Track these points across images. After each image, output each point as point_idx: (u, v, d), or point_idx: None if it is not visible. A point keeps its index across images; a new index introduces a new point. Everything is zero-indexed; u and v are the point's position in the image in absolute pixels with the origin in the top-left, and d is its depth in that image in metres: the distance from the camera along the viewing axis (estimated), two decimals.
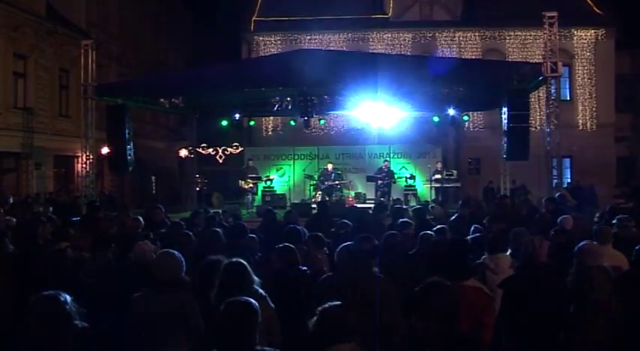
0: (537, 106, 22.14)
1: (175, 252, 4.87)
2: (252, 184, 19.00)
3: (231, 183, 28.94)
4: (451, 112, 20.06)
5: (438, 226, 7.41)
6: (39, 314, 3.51)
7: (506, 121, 14.79)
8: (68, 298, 3.61)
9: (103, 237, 6.83)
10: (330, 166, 19.67)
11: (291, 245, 5.79)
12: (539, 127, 22.08)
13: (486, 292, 4.50)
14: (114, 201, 21.20)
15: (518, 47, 27.95)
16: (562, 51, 19.65)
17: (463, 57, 26.76)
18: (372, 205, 15.22)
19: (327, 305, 3.51)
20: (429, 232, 6.81)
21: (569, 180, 25.69)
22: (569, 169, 26.75)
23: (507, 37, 28.15)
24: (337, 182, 19.54)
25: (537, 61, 18.05)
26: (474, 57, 27.12)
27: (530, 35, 27.62)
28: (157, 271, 4.69)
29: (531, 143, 14.68)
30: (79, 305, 3.68)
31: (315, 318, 3.50)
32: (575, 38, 27.94)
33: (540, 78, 14.68)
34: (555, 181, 15.04)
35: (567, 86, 27.85)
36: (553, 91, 14.94)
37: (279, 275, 5.45)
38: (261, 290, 4.58)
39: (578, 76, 28.07)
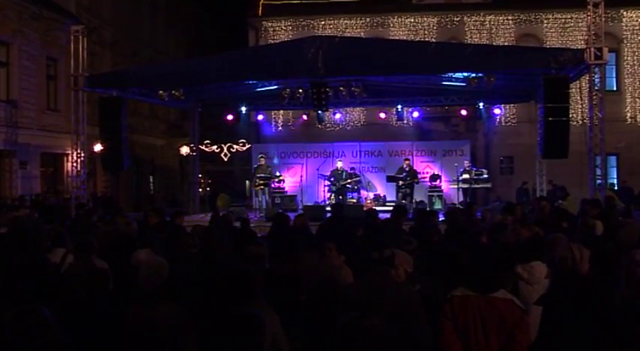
0: (579, 97, 21.95)
1: (157, 256, 4.90)
2: (263, 185, 19.02)
3: (238, 183, 29.15)
4: (481, 104, 20.04)
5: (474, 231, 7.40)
6: (16, 330, 3.53)
7: (543, 115, 14.72)
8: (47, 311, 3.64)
9: (85, 240, 6.85)
10: (339, 164, 19.73)
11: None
12: (580, 121, 21.95)
13: (518, 305, 4.47)
14: (108, 203, 21.33)
15: (557, 31, 27.74)
16: (608, 35, 19.42)
17: (495, 43, 26.62)
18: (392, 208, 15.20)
19: (351, 317, 3.48)
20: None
21: (614, 180, 25.49)
22: (614, 168, 26.52)
23: (545, 21, 27.94)
24: (349, 181, 19.51)
25: (579, 47, 17.95)
26: (506, 43, 26.96)
27: (571, 18, 27.40)
28: (140, 281, 4.73)
29: (571, 139, 14.61)
30: (67, 319, 3.72)
31: (338, 331, 3.48)
32: (624, 20, 27.64)
33: (582, 66, 14.60)
34: (599, 181, 14.95)
35: (613, 75, 27.55)
36: (597, 80, 14.84)
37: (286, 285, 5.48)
38: (266, 301, 4.61)
39: (627, 64, 27.73)
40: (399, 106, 21.48)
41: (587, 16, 15.07)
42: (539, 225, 8.47)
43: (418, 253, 6.22)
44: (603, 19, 15.07)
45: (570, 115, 15.55)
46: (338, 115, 23.88)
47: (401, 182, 18.86)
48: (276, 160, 22.26)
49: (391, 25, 28.42)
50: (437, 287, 5.12)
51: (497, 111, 22.02)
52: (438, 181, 20.51)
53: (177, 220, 10.35)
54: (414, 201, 18.89)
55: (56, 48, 24.85)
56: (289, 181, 21.97)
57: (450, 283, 4.72)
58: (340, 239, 7.40)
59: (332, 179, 19.66)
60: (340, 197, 18.96)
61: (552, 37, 27.69)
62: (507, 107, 25.99)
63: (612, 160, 25.62)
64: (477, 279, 4.45)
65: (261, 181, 18.89)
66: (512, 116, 27.25)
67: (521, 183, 23.81)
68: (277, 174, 20.84)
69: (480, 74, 15.34)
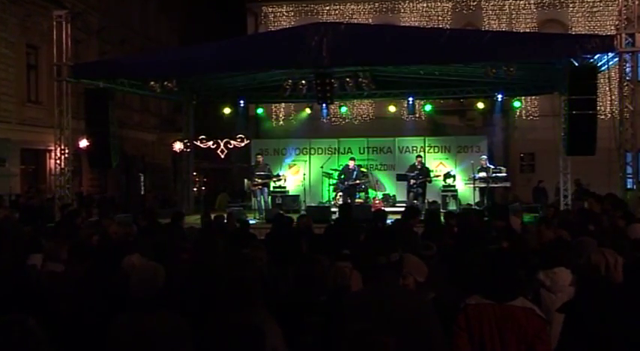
0: (607, 88, 21.89)
1: (152, 262, 4.90)
2: (261, 184, 19.06)
3: (236, 182, 29.17)
4: (499, 96, 19.99)
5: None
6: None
7: (567, 108, 14.70)
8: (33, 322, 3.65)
9: (81, 247, 6.89)
10: (351, 163, 19.69)
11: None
12: (609, 115, 21.85)
13: (538, 315, 4.47)
14: (94, 204, 21.38)
15: (584, 16, 27.70)
16: None
17: (515, 30, 26.59)
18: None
19: (358, 331, 3.50)
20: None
21: None
22: None
23: (570, 5, 27.90)
24: (359, 181, 19.54)
25: (608, 33, 17.91)
26: (528, 30, 26.94)
27: (600, 1, 27.37)
28: (131, 288, 4.73)
29: (599, 134, 14.58)
30: (51, 331, 3.72)
31: (345, 342, 3.50)
32: None
33: (612, 54, 14.55)
34: (630, 180, 14.91)
35: None
36: (628, 69, 14.76)
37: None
38: (266, 311, 4.62)
39: None
40: (410, 99, 21.47)
41: None
42: (565, 228, 8.48)
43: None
44: (637, 2, 14.97)
45: (598, 108, 15.52)
46: (344, 109, 23.89)
47: (412, 181, 18.83)
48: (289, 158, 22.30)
49: (402, 11, 28.42)
50: (453, 295, 5.12)
51: (517, 104, 22.03)
52: (453, 179, 20.50)
53: (179, 223, 10.43)
54: (426, 201, 18.89)
55: (37, 35, 24.83)
56: (291, 180, 22.00)
57: (463, 291, 4.72)
58: (347, 241, 7.45)
59: (342, 176, 19.66)
60: (349, 198, 18.98)
61: (579, 23, 27.65)
62: (528, 99, 25.96)
63: None
64: (494, 286, 4.45)
65: (260, 180, 18.92)
66: (533, 109, 27.22)
67: (537, 182, 23.81)
68: (278, 172, 20.85)
69: (499, 64, 15.33)
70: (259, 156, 19.77)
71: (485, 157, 20.47)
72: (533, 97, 25.79)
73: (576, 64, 14.59)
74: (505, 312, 4.33)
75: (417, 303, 4.67)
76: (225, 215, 12.50)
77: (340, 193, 19.72)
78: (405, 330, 4.24)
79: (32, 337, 3.58)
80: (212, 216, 11.96)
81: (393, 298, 4.61)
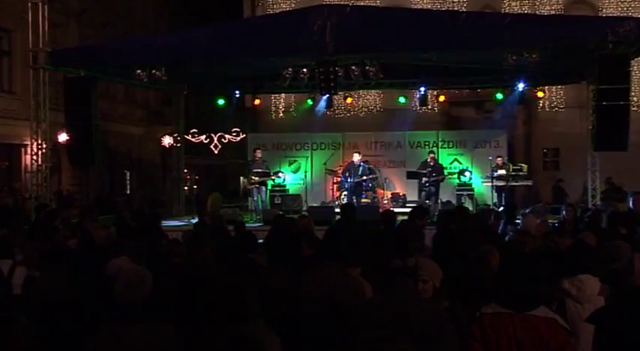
0: None
1: (139, 266, 4.90)
2: (259, 182, 19.06)
3: (230, 180, 29.21)
4: (520, 86, 19.95)
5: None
6: None
7: (596, 98, 14.68)
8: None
9: (58, 251, 6.91)
10: (356, 157, 19.64)
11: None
12: None
13: (562, 326, 4.45)
14: (75, 204, 21.41)
15: None
16: None
17: (538, 12, 26.56)
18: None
19: (376, 340, 3.49)
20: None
21: None
22: None
23: None
24: (365, 178, 19.49)
25: None
26: (553, 12, 26.91)
27: None
28: (116, 295, 4.73)
29: (632, 128, 14.56)
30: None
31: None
32: None
33: None
34: None
35: None
36: None
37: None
38: (264, 322, 4.64)
39: None
40: (422, 89, 21.43)
41: None
42: (593, 231, 8.48)
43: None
44: None
45: (630, 99, 15.50)
46: (349, 100, 23.85)
47: (424, 179, 18.83)
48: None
49: None
50: (466, 305, 5.13)
51: (540, 94, 21.97)
52: (469, 177, 20.49)
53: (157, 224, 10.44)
54: (439, 201, 18.89)
55: (10, 18, 24.75)
56: (291, 178, 22.00)
57: (477, 300, 4.72)
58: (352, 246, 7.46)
59: (346, 173, 19.64)
60: (354, 197, 18.96)
61: (610, 5, 27.60)
62: (552, 89, 25.98)
63: None
64: (513, 293, 4.44)
65: (257, 178, 18.93)
66: (558, 100, 27.21)
67: (556, 180, 23.79)
68: (277, 170, 20.85)
69: (520, 50, 15.30)
70: (257, 151, 19.70)
71: (504, 153, 20.45)
72: (558, 87, 25.79)
73: (607, 50, 14.54)
74: (525, 322, 4.33)
75: (433, 312, 4.68)
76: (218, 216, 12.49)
77: (345, 192, 19.71)
78: (421, 341, 4.25)
79: (27, 336, 3.62)
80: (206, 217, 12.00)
81: (409, 306, 4.61)
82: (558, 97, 27.01)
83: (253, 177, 18.91)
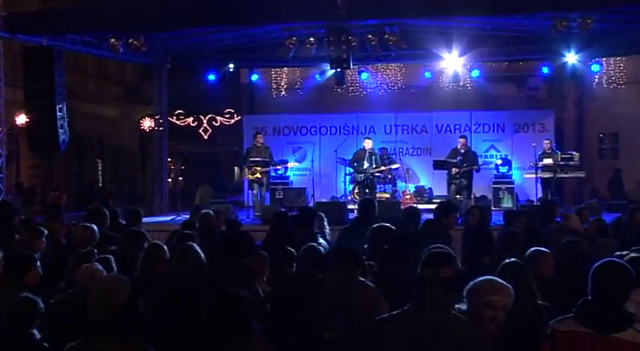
0: None
1: (115, 274, 4.89)
2: (260, 172, 19.03)
3: (223, 170, 29.23)
4: (571, 58, 19.85)
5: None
6: None
7: None
8: None
9: (18, 255, 6.91)
10: (368, 144, 19.56)
11: None
12: None
13: None
14: (37, 199, 21.43)
15: None
16: None
17: None
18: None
19: None
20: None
21: None
22: None
23: None
24: (380, 168, 19.38)
25: None
26: None
27: None
28: (87, 308, 4.73)
29: None
30: None
31: None
32: None
33: None
34: None
35: None
36: None
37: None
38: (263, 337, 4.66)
39: None
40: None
41: None
42: None
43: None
44: None
45: None
46: (365, 75, 23.86)
47: (454, 169, 18.79)
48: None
49: None
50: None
51: (595, 67, 21.87)
52: (508, 168, 20.46)
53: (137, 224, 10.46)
54: (472, 196, 18.82)
55: None
56: (296, 167, 22.00)
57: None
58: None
59: (354, 163, 19.54)
60: (367, 191, 18.90)
61: None
62: (611, 62, 25.81)
63: None
64: (598, 310, 4.35)
65: (257, 168, 18.91)
66: (617, 75, 27.03)
67: (613, 172, 23.73)
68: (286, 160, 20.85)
69: (572, 14, 15.22)
70: (259, 136, 19.51)
71: (549, 139, 20.37)
72: (618, 59, 25.62)
73: None
74: (608, 346, 4.24)
75: (473, 333, 4.64)
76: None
77: (358, 186, 19.61)
78: None
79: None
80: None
81: (442, 325, 4.57)
82: (618, 70, 26.81)
83: (255, 167, 18.82)
